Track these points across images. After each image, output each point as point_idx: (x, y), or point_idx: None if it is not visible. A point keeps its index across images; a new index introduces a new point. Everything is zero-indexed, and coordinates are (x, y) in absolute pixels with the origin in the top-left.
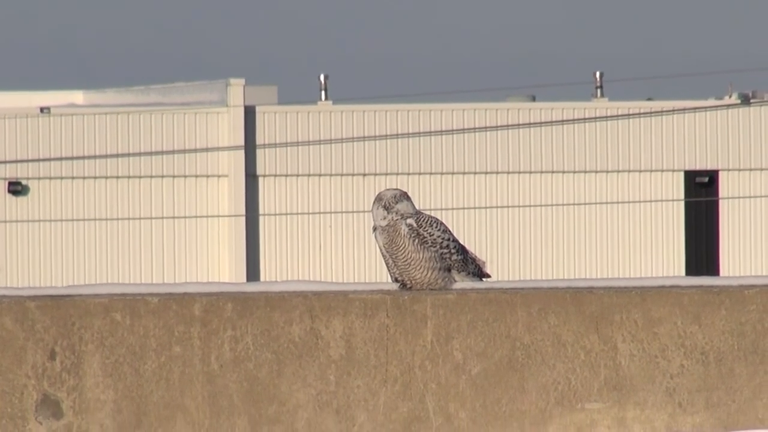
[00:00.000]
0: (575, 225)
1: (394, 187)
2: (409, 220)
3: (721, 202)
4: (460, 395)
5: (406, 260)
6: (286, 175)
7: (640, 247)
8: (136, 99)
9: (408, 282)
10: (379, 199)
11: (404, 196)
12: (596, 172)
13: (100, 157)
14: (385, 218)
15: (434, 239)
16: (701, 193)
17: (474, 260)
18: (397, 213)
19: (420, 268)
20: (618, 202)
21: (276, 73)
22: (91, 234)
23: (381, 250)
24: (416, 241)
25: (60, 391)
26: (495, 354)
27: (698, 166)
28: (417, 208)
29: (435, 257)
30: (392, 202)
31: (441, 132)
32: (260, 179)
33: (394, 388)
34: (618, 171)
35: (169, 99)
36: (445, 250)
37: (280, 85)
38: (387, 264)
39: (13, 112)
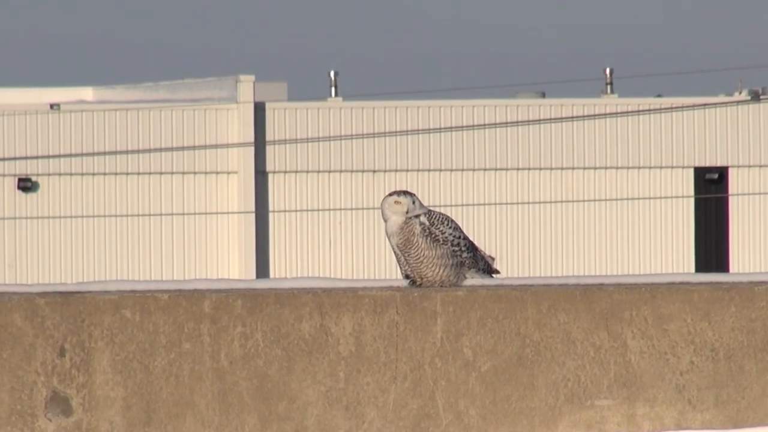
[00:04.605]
0: (585, 221)
1: (398, 188)
2: (421, 218)
3: (730, 198)
4: (470, 392)
5: (418, 258)
6: (296, 172)
7: (649, 243)
8: (145, 95)
9: (419, 279)
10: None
11: (411, 195)
12: (606, 168)
13: (110, 153)
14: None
15: (446, 237)
16: (711, 189)
17: (483, 257)
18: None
19: (432, 265)
20: (628, 199)
21: (286, 70)
22: (101, 231)
23: (393, 248)
24: (429, 239)
25: (69, 388)
26: (505, 351)
27: (708, 163)
28: (425, 205)
29: (447, 254)
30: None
31: (451, 128)
32: (270, 176)
33: (403, 385)
34: (628, 167)
35: (179, 95)
36: (456, 248)
37: (289, 82)
38: (398, 261)
39: (23, 108)
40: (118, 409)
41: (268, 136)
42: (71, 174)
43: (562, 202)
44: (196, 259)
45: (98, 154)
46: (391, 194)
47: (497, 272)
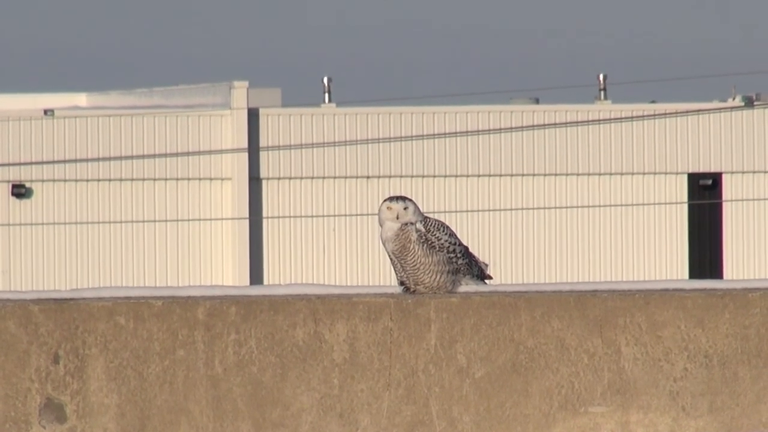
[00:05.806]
0: (579, 228)
1: (396, 194)
2: (417, 225)
3: (724, 204)
4: (464, 399)
5: (414, 264)
6: (290, 178)
7: (643, 249)
8: (139, 101)
9: (413, 286)
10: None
11: (404, 200)
12: (600, 174)
13: (104, 159)
14: (396, 234)
15: (442, 243)
16: (705, 195)
17: (477, 263)
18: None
19: (428, 272)
20: (621, 205)
21: (279, 76)
22: (95, 237)
23: (388, 254)
24: (425, 245)
25: (63, 395)
26: (499, 358)
27: (702, 169)
28: (422, 211)
29: (443, 261)
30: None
31: (444, 135)
32: (264, 182)
33: (397, 391)
34: (621, 173)
35: (173, 101)
36: (452, 254)
37: (283, 88)
38: (394, 267)
39: (17, 114)
40: (112, 416)
41: (262, 143)
42: (65, 180)
43: (555, 208)
44: (190, 266)
45: (92, 160)
46: (389, 199)
47: (490, 278)
